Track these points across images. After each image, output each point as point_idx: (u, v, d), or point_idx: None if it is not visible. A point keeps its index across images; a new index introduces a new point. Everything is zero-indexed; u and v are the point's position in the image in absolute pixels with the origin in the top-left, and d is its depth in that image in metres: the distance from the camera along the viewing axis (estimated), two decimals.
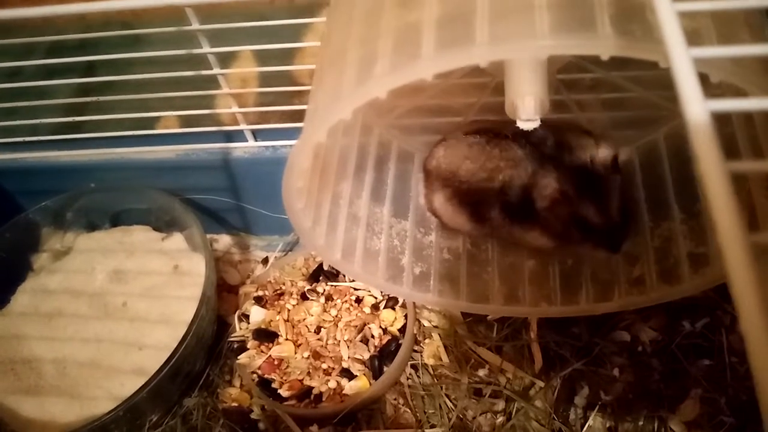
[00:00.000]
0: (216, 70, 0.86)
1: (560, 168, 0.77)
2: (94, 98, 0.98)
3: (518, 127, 0.77)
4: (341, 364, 0.89)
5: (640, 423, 0.84)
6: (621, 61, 0.81)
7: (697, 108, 0.29)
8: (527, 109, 0.65)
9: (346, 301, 0.95)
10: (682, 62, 0.31)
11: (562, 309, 0.87)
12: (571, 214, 0.77)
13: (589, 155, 0.77)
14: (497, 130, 0.83)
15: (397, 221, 0.91)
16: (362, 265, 0.83)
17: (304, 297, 0.96)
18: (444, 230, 0.93)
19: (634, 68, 0.81)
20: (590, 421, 0.85)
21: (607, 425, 0.84)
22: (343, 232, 0.83)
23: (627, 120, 0.90)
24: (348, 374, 0.88)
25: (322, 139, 0.63)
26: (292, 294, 0.97)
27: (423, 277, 0.88)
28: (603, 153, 0.76)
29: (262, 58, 1.07)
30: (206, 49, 0.83)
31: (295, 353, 0.91)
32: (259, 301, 0.97)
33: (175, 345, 0.85)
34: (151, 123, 1.01)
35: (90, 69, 1.02)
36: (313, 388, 0.87)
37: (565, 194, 0.75)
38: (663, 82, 0.83)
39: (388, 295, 0.94)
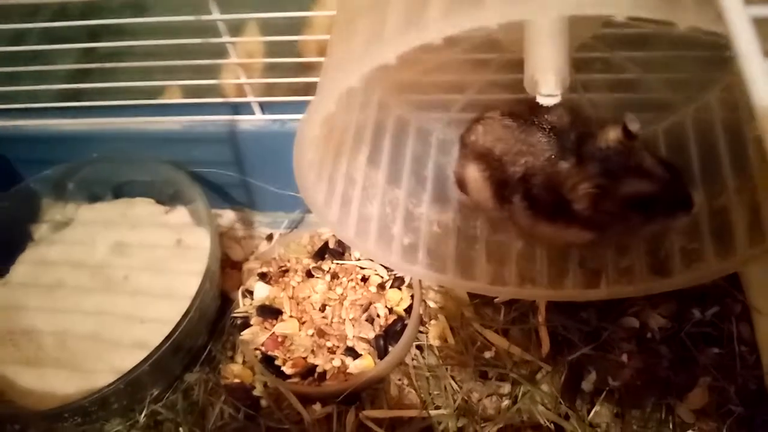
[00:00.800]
0: (225, 38, 0.84)
1: (583, 162, 0.74)
2: (98, 65, 0.95)
3: (544, 116, 0.78)
4: (346, 342, 0.88)
5: (648, 410, 0.83)
6: (636, 43, 0.80)
7: (756, 67, 0.27)
8: (548, 85, 0.64)
9: (351, 280, 0.93)
10: (740, 20, 0.29)
11: (547, 292, 0.86)
12: (619, 201, 0.73)
13: (602, 139, 0.74)
14: (527, 115, 0.81)
15: (390, 188, 0.89)
16: (355, 230, 0.82)
17: (309, 274, 0.95)
18: (435, 203, 0.92)
19: (648, 49, 0.80)
20: (597, 407, 0.83)
21: (614, 411, 0.83)
22: (340, 195, 0.82)
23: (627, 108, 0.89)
24: (353, 353, 0.87)
25: (331, 108, 0.62)
26: (297, 271, 0.95)
27: (412, 248, 0.87)
28: (613, 130, 0.73)
29: (270, 32, 1.05)
30: (216, 15, 0.81)
31: (300, 330, 0.89)
32: (264, 277, 0.95)
33: (177, 319, 0.84)
34: (156, 92, 0.99)
35: (94, 36, 1.00)
36: (317, 366, 0.86)
37: (601, 186, 0.72)
38: (670, 67, 0.83)
39: (395, 274, 0.93)
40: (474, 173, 0.86)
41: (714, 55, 0.79)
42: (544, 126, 0.79)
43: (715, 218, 0.80)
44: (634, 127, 0.71)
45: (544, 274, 0.86)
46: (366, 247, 0.85)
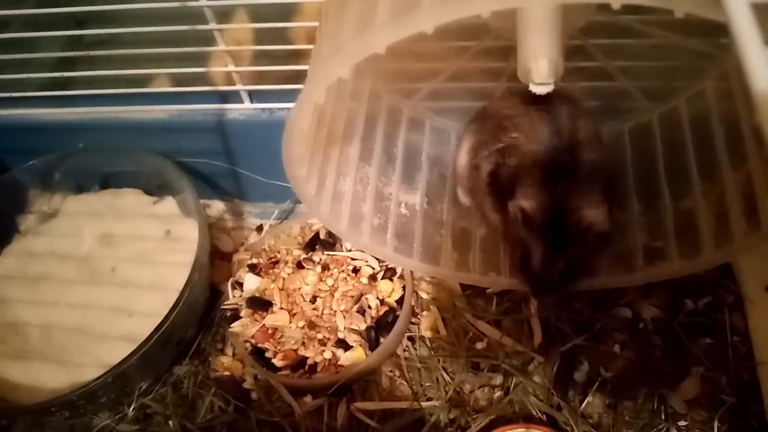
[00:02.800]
0: (212, 25, 0.83)
1: (548, 193, 0.71)
2: (84, 52, 0.94)
3: (560, 119, 0.76)
4: (337, 334, 0.87)
5: (640, 400, 0.83)
6: (626, 32, 0.79)
7: (756, 55, 0.26)
8: (541, 72, 0.62)
9: (342, 271, 0.92)
10: (740, 7, 0.28)
11: (511, 281, 0.86)
12: (521, 240, 0.72)
13: (578, 207, 0.70)
14: (545, 105, 0.78)
15: (362, 165, 0.88)
16: (329, 208, 0.81)
17: (299, 266, 0.94)
18: (403, 183, 0.92)
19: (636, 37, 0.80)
20: (589, 397, 0.83)
21: (607, 402, 0.83)
22: (332, 189, 0.81)
23: (596, 108, 0.90)
24: (344, 345, 0.86)
25: (321, 99, 0.61)
26: (287, 262, 0.94)
27: (381, 229, 0.87)
28: (592, 215, 0.70)
29: (259, 18, 1.03)
30: (203, 2, 0.79)
31: (290, 322, 0.88)
32: (254, 268, 0.94)
33: (166, 312, 0.82)
34: (143, 81, 0.97)
35: (79, 23, 0.98)
36: (308, 358, 0.85)
37: (527, 220, 0.70)
38: (660, 56, 0.84)
39: (386, 265, 0.92)
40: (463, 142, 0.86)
41: (707, 43, 0.79)
42: (554, 125, 0.76)
43: (681, 218, 0.82)
44: (606, 229, 0.70)
45: (507, 263, 0.86)
46: (360, 239, 0.84)
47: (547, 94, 0.78)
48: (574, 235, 0.70)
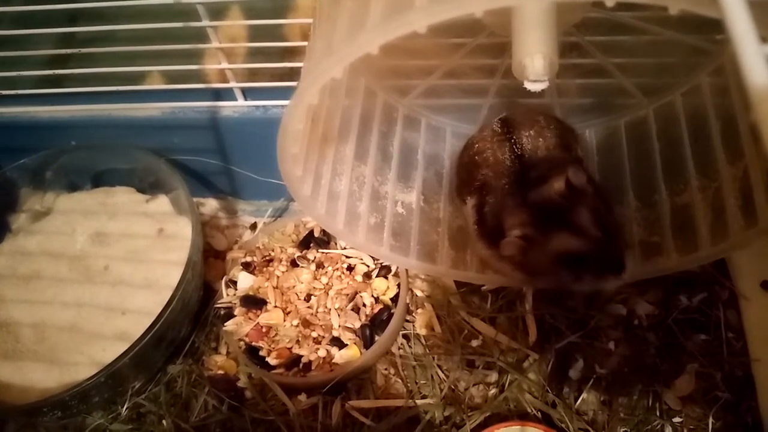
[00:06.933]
0: (206, 22, 0.82)
1: (524, 206, 0.72)
2: (76, 50, 0.93)
3: (522, 137, 0.79)
4: (331, 332, 0.87)
5: (635, 397, 0.83)
6: (618, 28, 0.80)
7: (752, 51, 0.26)
8: (536, 69, 0.62)
9: (337, 269, 0.92)
10: (736, 3, 0.28)
11: (506, 279, 0.86)
12: (548, 254, 0.71)
13: (548, 188, 0.71)
14: (511, 131, 0.81)
15: (357, 164, 0.88)
16: (325, 208, 0.81)
17: (293, 264, 0.93)
18: (399, 182, 0.92)
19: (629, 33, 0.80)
20: (584, 395, 0.83)
21: (602, 399, 0.83)
22: (327, 188, 0.81)
23: (592, 104, 0.92)
24: (338, 343, 0.86)
25: (314, 100, 0.61)
26: (281, 260, 0.94)
27: (377, 228, 0.87)
28: (558, 181, 0.71)
29: (253, 16, 1.03)
30: None
31: (284, 321, 0.88)
32: (247, 267, 0.94)
33: (159, 310, 0.82)
34: (136, 78, 0.97)
35: (72, 20, 0.97)
36: (302, 356, 0.85)
37: (529, 237, 0.70)
38: (638, 70, 0.85)
39: (381, 263, 0.92)
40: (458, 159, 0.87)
41: (702, 38, 0.79)
42: (514, 153, 0.79)
43: (678, 214, 0.82)
44: (577, 180, 0.69)
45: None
46: (357, 239, 0.84)
47: (511, 123, 0.82)
48: (573, 204, 0.69)
